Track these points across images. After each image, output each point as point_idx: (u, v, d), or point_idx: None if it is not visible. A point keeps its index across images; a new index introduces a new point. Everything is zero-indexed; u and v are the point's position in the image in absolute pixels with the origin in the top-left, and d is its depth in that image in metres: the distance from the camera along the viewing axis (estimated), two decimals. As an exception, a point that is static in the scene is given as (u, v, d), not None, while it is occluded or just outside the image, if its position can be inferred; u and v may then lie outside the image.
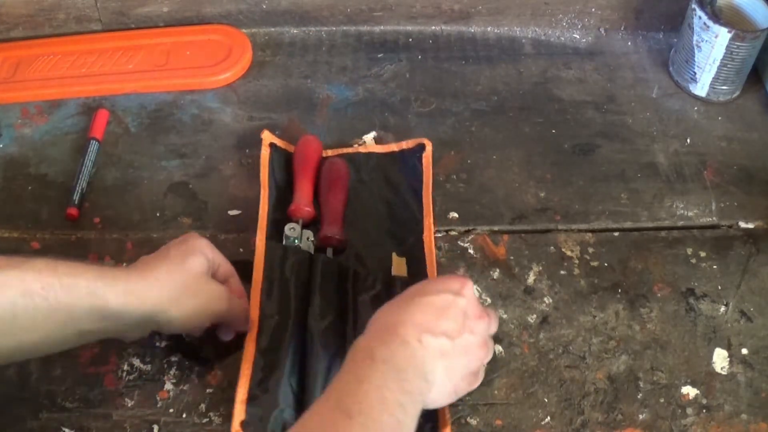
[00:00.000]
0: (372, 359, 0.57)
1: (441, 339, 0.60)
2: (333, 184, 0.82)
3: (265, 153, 0.84)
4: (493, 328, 0.67)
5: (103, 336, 0.62)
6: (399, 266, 0.77)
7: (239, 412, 0.65)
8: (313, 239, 0.78)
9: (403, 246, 0.79)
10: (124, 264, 0.75)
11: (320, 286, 0.73)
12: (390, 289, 0.73)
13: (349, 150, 0.87)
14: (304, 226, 0.79)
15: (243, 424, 0.65)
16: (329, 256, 0.77)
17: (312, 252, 0.77)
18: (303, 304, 0.72)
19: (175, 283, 0.62)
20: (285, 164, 0.84)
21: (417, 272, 0.77)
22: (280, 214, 0.80)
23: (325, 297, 0.73)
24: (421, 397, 0.58)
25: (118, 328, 0.61)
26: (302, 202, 0.80)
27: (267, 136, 0.85)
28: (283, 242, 0.77)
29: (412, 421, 0.56)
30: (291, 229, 0.77)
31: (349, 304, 0.73)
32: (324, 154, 0.86)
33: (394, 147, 0.87)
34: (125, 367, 0.70)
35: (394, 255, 0.78)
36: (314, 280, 0.74)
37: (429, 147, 0.86)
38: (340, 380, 0.57)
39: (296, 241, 0.77)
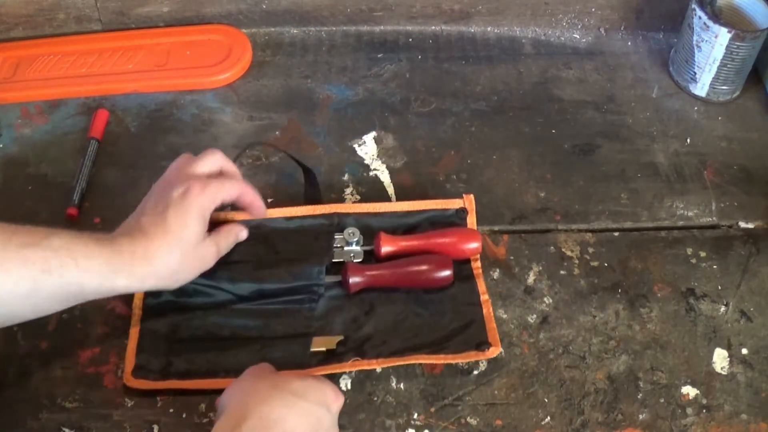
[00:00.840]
0: None
1: None
2: (415, 261, 0.75)
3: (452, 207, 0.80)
4: None
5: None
6: (328, 343, 0.72)
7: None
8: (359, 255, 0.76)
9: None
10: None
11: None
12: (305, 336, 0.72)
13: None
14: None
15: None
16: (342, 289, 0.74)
17: (341, 259, 0.75)
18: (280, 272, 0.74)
19: (175, 262, 0.67)
20: (435, 222, 0.80)
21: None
22: (368, 234, 0.77)
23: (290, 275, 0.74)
24: None
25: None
26: (389, 242, 0.76)
27: (470, 201, 0.81)
28: (335, 236, 0.76)
29: None
30: (350, 234, 0.76)
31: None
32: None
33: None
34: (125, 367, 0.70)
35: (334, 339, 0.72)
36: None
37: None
38: None
39: (343, 246, 0.76)
